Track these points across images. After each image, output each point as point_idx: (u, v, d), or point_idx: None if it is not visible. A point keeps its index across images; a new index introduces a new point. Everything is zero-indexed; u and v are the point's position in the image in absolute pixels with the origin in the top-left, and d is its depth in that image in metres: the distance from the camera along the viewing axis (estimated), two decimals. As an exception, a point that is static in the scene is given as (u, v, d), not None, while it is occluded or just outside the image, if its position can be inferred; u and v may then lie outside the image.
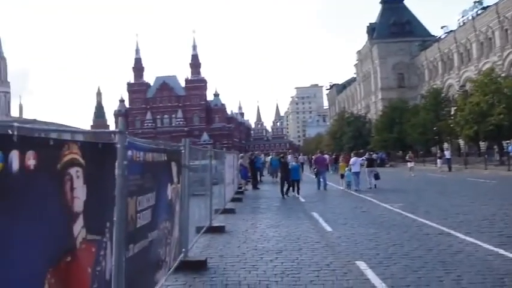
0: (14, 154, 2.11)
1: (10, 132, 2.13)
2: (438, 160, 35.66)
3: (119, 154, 3.57)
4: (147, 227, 4.57)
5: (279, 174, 29.44)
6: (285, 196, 17.51)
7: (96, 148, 3.24)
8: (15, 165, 2.11)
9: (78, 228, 2.82)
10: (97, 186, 3.10)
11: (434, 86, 57.37)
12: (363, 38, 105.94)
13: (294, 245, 8.63)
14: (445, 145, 45.88)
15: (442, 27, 68.72)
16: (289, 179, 18.14)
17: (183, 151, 7.18)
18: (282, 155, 21.57)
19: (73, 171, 2.74)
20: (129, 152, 3.89)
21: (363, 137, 63.49)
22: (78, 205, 2.82)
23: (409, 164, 30.92)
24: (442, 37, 68.23)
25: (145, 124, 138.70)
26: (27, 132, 2.33)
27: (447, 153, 35.99)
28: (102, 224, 3.27)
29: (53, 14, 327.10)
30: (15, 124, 2.15)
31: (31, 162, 2.25)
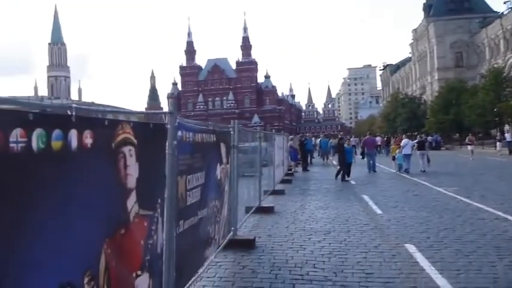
0: (72, 133, 2.28)
1: (69, 113, 2.30)
2: (498, 143, 34.06)
3: (169, 134, 3.73)
4: (196, 204, 4.75)
5: (330, 156, 29.45)
6: (344, 179, 17.19)
7: (148, 128, 3.40)
8: (74, 143, 2.29)
9: (132, 203, 3.00)
10: (149, 165, 3.27)
11: (496, 65, 54.34)
12: (418, 16, 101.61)
13: (342, 226, 8.63)
14: (506, 127, 43.61)
15: (504, 3, 64.60)
16: (346, 162, 17.75)
17: (232, 132, 7.33)
18: (340, 137, 21.15)
19: (126, 149, 2.91)
20: (179, 133, 4.04)
21: (418, 118, 61.57)
22: (131, 181, 2.99)
23: (469, 147, 29.61)
24: (505, 13, 64.26)
25: (197, 106, 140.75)
26: (84, 113, 2.50)
27: (508, 136, 34.28)
28: (154, 200, 3.45)
29: (109, 1, 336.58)
30: (74, 105, 2.32)
31: (88, 140, 2.42)
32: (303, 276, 5.66)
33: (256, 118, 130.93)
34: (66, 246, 2.24)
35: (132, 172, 3.00)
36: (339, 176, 17.53)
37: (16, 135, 1.86)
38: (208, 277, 5.64)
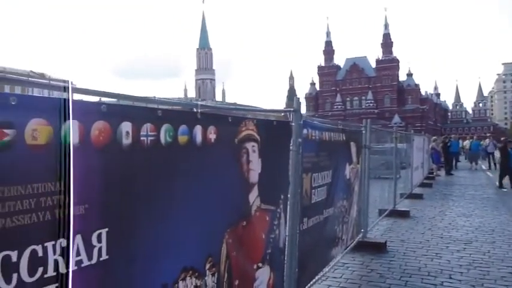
0: (197, 129, 2.46)
1: (194, 110, 2.48)
2: None
3: (293, 132, 3.79)
4: (322, 203, 4.74)
5: (479, 161, 26.70)
6: (503, 188, 15.50)
7: (271, 125, 3.50)
8: (198, 138, 2.46)
9: (253, 197, 3.12)
10: (272, 161, 3.36)
11: None
12: None
13: (486, 236, 7.84)
14: None
15: None
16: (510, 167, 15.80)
17: (363, 132, 7.15)
18: (508, 139, 18.67)
19: (249, 145, 3.04)
20: (304, 131, 4.08)
21: None
22: (254, 176, 3.11)
23: None
24: None
25: (335, 106, 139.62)
26: (208, 110, 2.67)
27: None
28: (276, 195, 3.54)
29: (249, 6, 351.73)
30: (199, 103, 2.50)
31: (212, 136, 2.58)
32: (436, 286, 5.29)
33: (396, 118, 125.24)
34: (190, 234, 2.42)
35: (255, 167, 3.12)
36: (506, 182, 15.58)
37: (146, 129, 2.07)
38: (334, 277, 5.59)
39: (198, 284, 2.50)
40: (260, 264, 3.25)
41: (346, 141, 5.83)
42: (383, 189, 10.08)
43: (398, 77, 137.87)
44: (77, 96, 1.79)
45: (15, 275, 1.50)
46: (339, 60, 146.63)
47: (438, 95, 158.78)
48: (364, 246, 6.80)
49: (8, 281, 1.48)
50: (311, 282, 4.62)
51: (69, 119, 1.68)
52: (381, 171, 11.95)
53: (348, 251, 6.18)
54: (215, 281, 2.65)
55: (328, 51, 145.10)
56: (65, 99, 1.70)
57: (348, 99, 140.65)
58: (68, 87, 1.65)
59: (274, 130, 3.51)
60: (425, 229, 8.59)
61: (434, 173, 20.79)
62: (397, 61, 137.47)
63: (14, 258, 1.50)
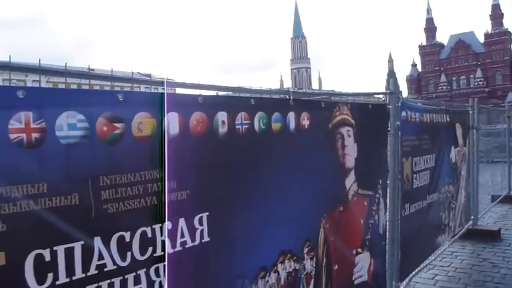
0: (290, 115, 2.49)
1: (287, 97, 2.52)
2: None
3: (391, 115, 3.67)
4: (425, 188, 4.54)
5: None
6: None
7: (367, 109, 3.42)
8: (292, 124, 2.50)
9: (350, 182, 3.09)
10: (368, 145, 3.30)
11: None
12: None
13: None
14: None
15: None
16: None
17: (470, 112, 6.67)
18: None
19: (344, 130, 3.01)
20: (403, 113, 3.93)
21: None
22: (350, 161, 3.08)
23: None
24: None
25: (440, 87, 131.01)
26: (301, 96, 2.69)
27: None
28: (374, 180, 3.46)
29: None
30: (291, 90, 2.53)
31: (305, 122, 2.60)
32: (560, 278, 4.80)
33: (510, 96, 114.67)
34: (287, 218, 2.48)
35: (351, 152, 3.08)
36: None
37: (241, 118, 2.16)
38: (441, 266, 5.32)
39: (297, 268, 2.55)
40: (359, 250, 3.21)
41: (451, 122, 5.49)
42: (496, 174, 9.34)
43: (511, 51, 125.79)
44: (178, 91, 1.93)
45: (129, 254, 1.67)
46: (442, 37, 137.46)
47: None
48: (475, 234, 6.37)
49: (123, 258, 1.65)
50: (416, 271, 4.46)
51: (169, 111, 1.81)
52: (493, 155, 11.09)
53: (457, 239, 5.84)
54: (313, 265, 2.69)
55: (430, 29, 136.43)
56: (164, 94, 1.83)
57: (454, 78, 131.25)
58: (164, 83, 1.78)
59: (370, 114, 3.42)
60: (546, 216, 7.82)
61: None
62: (509, 34, 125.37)
63: (127, 239, 1.67)
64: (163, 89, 1.83)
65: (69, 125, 1.50)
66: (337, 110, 2.95)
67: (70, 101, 1.52)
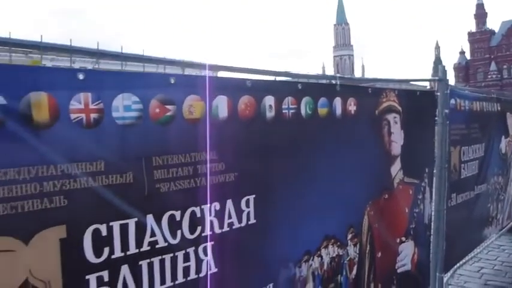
0: (337, 101, 2.48)
1: (334, 82, 2.51)
2: None
3: (439, 102, 3.58)
4: (473, 178, 4.41)
5: None
6: None
7: (414, 96, 3.35)
8: (338, 110, 2.49)
9: (396, 169, 3.05)
10: (415, 133, 3.23)
11: None
12: None
13: None
14: None
15: None
16: None
17: (523, 101, 6.39)
18: None
19: (390, 117, 2.96)
20: (452, 101, 3.82)
21: None
22: (396, 149, 3.03)
23: None
24: None
25: (489, 76, 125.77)
26: (348, 82, 2.67)
27: None
28: (421, 169, 3.40)
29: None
30: (338, 75, 2.51)
31: (351, 108, 2.58)
32: None
33: None
34: (331, 203, 2.48)
35: (397, 139, 3.03)
36: None
37: (288, 102, 2.17)
38: (487, 259, 5.19)
39: (340, 253, 2.55)
40: (403, 239, 3.17)
41: (501, 112, 5.28)
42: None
43: None
44: (227, 75, 1.96)
45: (179, 232, 1.73)
46: (493, 24, 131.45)
47: None
48: (525, 228, 6.15)
49: (173, 236, 1.71)
50: (460, 262, 4.37)
51: (218, 95, 1.85)
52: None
53: (504, 232, 5.65)
54: (357, 252, 2.68)
55: (480, 14, 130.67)
56: (213, 77, 1.86)
57: (505, 67, 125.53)
58: (206, 66, 1.81)
59: (417, 101, 3.35)
60: None
61: None
62: None
63: (178, 218, 1.73)
64: (210, 73, 1.87)
65: (124, 106, 1.55)
66: (384, 96, 2.91)
67: (125, 84, 1.58)
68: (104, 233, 1.52)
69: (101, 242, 1.51)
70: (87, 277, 1.49)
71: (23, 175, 1.34)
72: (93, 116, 1.47)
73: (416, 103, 3.32)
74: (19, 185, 1.34)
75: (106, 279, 1.53)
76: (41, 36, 1.39)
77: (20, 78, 1.34)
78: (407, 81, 3.78)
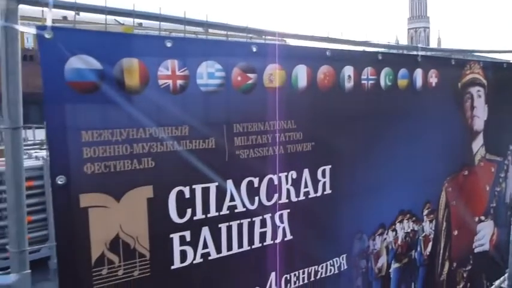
0: (417, 72, 2.39)
1: (415, 53, 2.41)
2: None
3: (529, 75, 3.33)
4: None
5: None
6: None
7: (501, 68, 3.13)
8: (419, 82, 2.40)
9: (477, 145, 2.90)
10: (501, 108, 3.05)
11: None
12: None
13: None
14: None
15: None
16: None
17: None
18: None
19: (474, 90, 2.81)
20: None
21: None
22: (478, 124, 2.88)
23: None
24: None
25: None
26: (430, 52, 2.55)
27: None
28: (504, 146, 3.21)
29: None
30: (419, 45, 2.41)
31: (433, 80, 2.48)
32: None
33: None
34: (408, 178, 2.42)
35: (480, 114, 2.88)
36: None
37: (367, 73, 2.12)
38: None
39: (415, 229, 2.50)
40: (483, 218, 3.04)
41: None
42: None
43: None
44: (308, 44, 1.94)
45: (256, 198, 1.77)
46: None
47: None
48: None
49: (251, 202, 1.76)
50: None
51: (298, 64, 1.84)
52: None
53: None
54: (433, 228, 2.62)
55: None
56: (294, 46, 1.86)
57: None
58: (286, 35, 1.80)
59: (504, 74, 3.14)
60: None
61: None
62: None
63: (256, 184, 1.77)
64: (289, 42, 1.86)
65: (208, 73, 1.59)
66: (467, 68, 2.75)
67: (209, 51, 1.61)
68: (187, 195, 1.59)
69: (184, 203, 1.59)
70: (171, 235, 1.57)
71: (116, 137, 1.43)
72: (179, 82, 1.53)
73: (504, 76, 3.11)
74: (112, 145, 1.43)
75: (188, 239, 1.61)
76: (133, 4, 1.44)
77: (113, 45, 1.41)
78: (496, 52, 3.54)
